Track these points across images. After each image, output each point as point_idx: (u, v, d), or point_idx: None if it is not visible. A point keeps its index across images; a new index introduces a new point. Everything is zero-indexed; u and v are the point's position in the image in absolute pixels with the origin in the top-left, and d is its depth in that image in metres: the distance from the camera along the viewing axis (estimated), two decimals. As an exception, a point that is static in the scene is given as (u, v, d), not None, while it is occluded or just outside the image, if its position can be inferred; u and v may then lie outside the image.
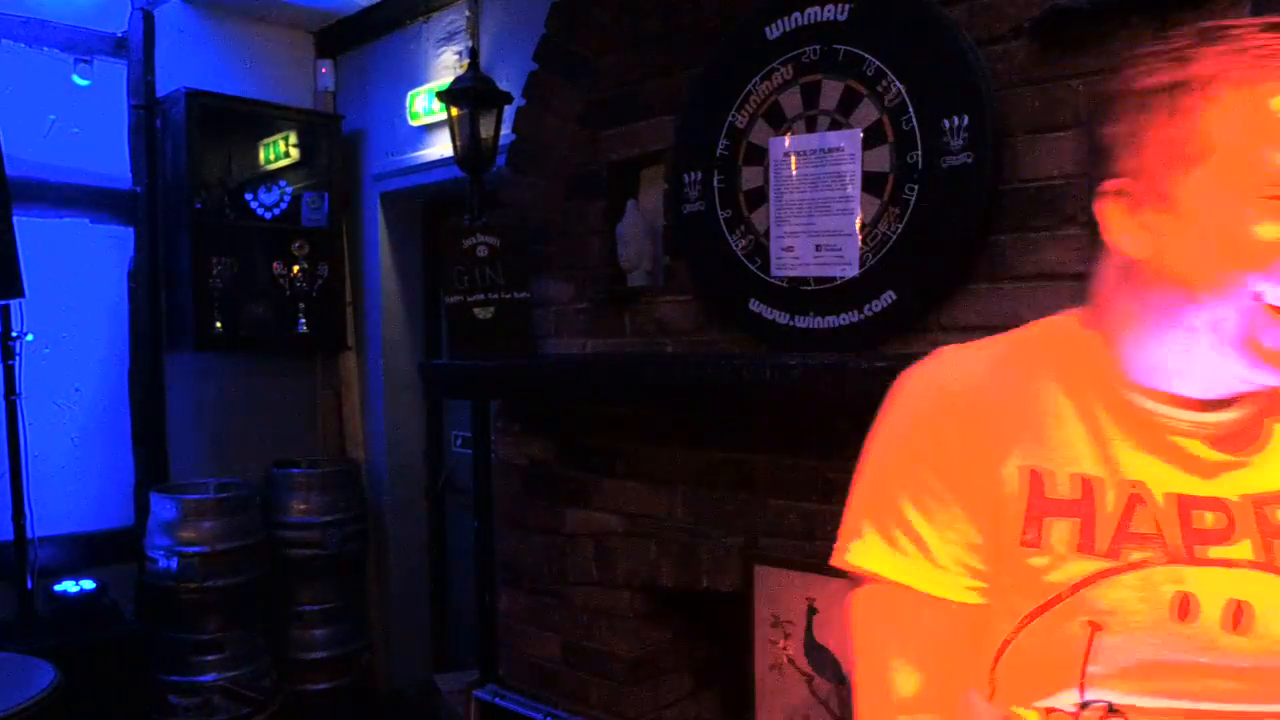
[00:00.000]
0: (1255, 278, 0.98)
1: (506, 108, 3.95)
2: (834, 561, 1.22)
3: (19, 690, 3.13)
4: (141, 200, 5.07)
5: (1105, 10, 2.27)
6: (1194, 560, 1.06)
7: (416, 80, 5.17)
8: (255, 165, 5.41)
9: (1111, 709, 1.09)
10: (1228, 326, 1.01)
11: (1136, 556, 1.07)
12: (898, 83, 2.65)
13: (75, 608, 4.68)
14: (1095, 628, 1.07)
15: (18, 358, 4.43)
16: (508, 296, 3.55)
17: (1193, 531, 1.07)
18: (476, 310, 3.61)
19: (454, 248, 3.67)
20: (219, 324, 5.08)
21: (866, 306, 2.72)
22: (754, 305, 2.95)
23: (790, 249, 2.87)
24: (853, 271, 2.74)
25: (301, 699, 5.03)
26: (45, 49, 4.85)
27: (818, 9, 2.81)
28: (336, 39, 5.68)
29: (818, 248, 2.81)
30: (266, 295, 5.29)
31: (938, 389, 1.21)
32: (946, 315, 2.62)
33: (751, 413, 2.90)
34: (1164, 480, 1.09)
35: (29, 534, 4.49)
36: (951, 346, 1.26)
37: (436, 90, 4.39)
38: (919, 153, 2.61)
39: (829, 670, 2.84)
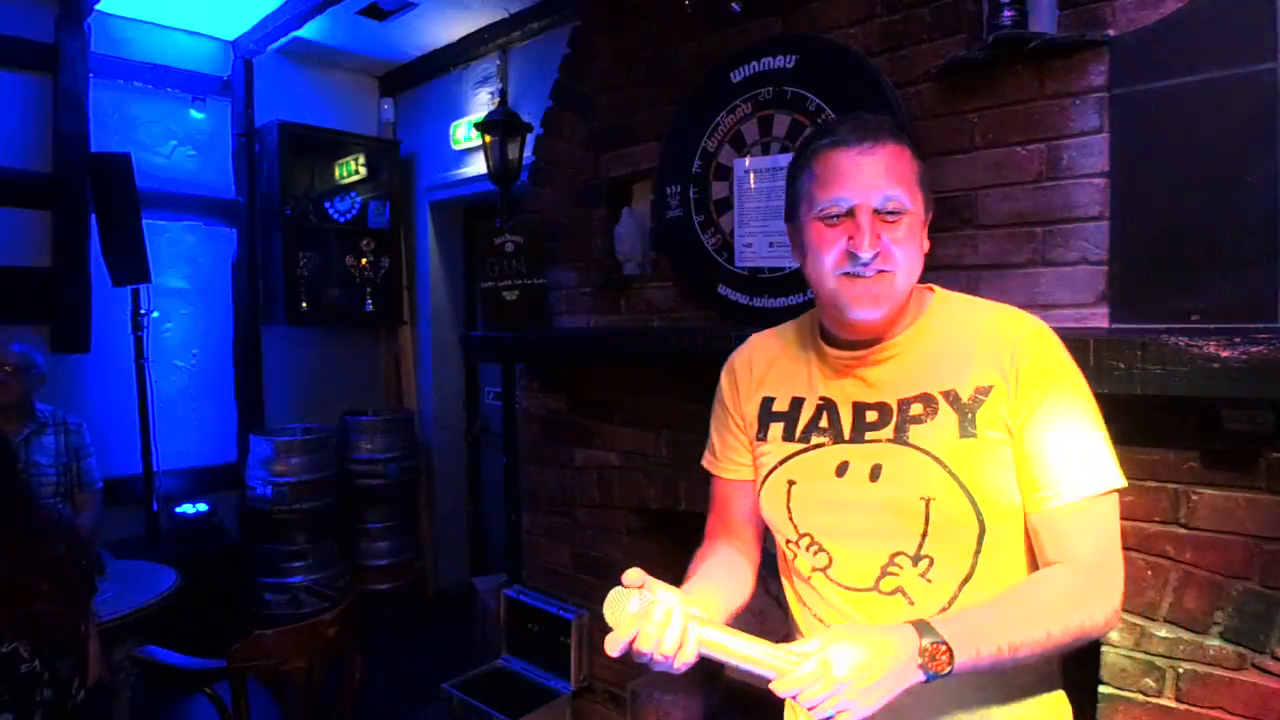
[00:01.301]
0: (828, 262, 1.36)
1: (528, 135, 3.94)
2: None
3: (149, 590, 3.14)
4: (243, 207, 5.07)
5: (994, 61, 2.27)
6: (857, 440, 1.41)
7: (458, 114, 5.16)
8: (332, 180, 5.39)
9: (813, 541, 1.45)
10: (824, 295, 1.40)
11: (816, 440, 1.46)
12: (834, 116, 2.64)
13: (191, 526, 4.72)
14: (791, 483, 1.47)
15: (145, 330, 4.43)
16: (529, 282, 3.55)
17: (863, 423, 1.42)
18: (505, 293, 3.61)
19: (487, 244, 3.67)
20: (304, 304, 5.09)
21: (809, 290, 2.70)
22: (721, 289, 2.95)
23: (750, 245, 2.86)
24: (798, 263, 2.74)
25: (368, 597, 5.05)
26: (169, 89, 4.84)
27: (771, 59, 2.80)
28: (396, 81, 5.66)
29: (771, 244, 2.81)
30: (341, 282, 5.29)
31: (727, 363, 1.68)
32: (870, 298, 2.62)
33: (719, 373, 2.90)
34: (849, 394, 1.45)
35: (155, 468, 4.51)
36: (758, 333, 1.67)
37: (474, 121, 4.37)
38: (850, 171, 2.60)
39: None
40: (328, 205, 5.22)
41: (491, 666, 3.74)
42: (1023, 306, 2.23)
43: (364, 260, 5.34)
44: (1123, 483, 1.32)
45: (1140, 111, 2.07)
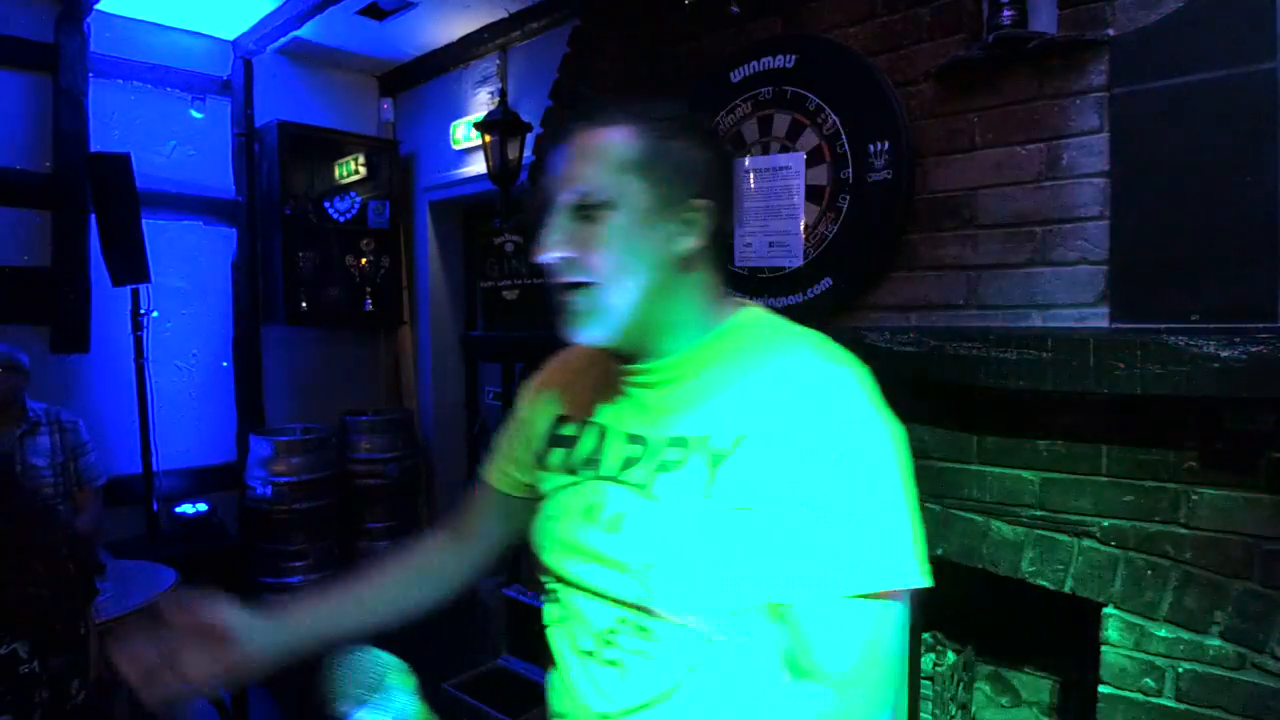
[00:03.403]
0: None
1: (528, 135, 3.94)
2: None
3: (148, 590, 3.14)
4: (243, 207, 5.07)
5: (994, 61, 2.27)
6: (612, 478, 1.16)
7: (458, 113, 5.16)
8: (332, 180, 5.39)
9: (555, 590, 1.25)
10: None
11: (583, 474, 1.21)
12: (834, 116, 2.64)
13: (191, 526, 4.71)
14: (550, 519, 1.24)
15: (145, 330, 4.43)
16: (529, 282, 3.55)
17: (625, 459, 1.16)
18: (504, 293, 3.61)
19: (487, 244, 3.67)
20: (304, 304, 5.08)
21: (809, 290, 2.72)
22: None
23: (749, 245, 2.86)
24: (798, 263, 2.75)
25: (368, 596, 5.04)
26: (168, 89, 4.84)
27: (770, 58, 2.80)
28: (396, 81, 5.66)
29: (770, 244, 2.81)
30: (341, 282, 5.28)
31: (535, 375, 1.45)
32: (872, 297, 2.62)
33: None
34: (624, 420, 1.19)
35: (155, 468, 4.50)
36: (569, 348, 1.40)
37: (474, 121, 4.37)
38: (850, 171, 2.60)
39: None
40: (327, 205, 5.22)
41: (491, 666, 3.74)
42: (1022, 306, 2.26)
43: (364, 260, 5.34)
44: (913, 581, 1.01)
45: (1140, 111, 2.07)
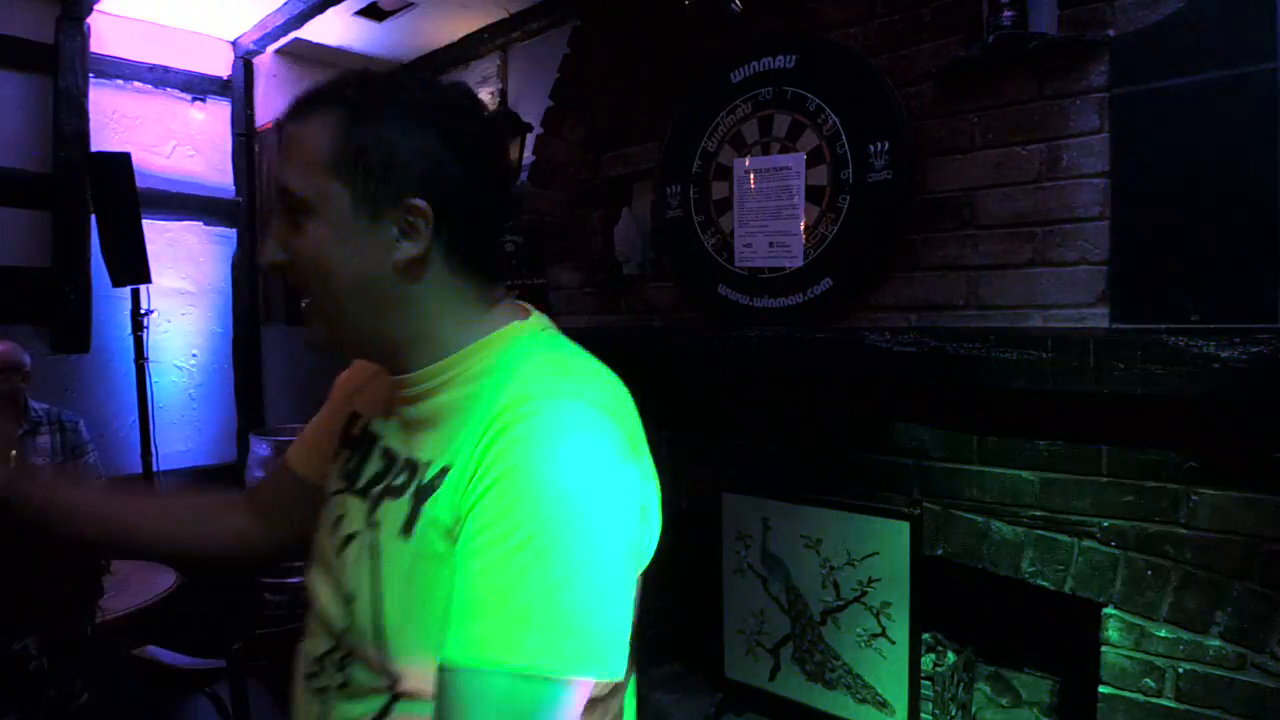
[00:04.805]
0: None
1: (529, 135, 3.94)
2: None
3: (149, 590, 3.15)
4: (243, 207, 5.08)
5: (994, 61, 2.27)
6: (361, 493, 1.07)
7: (458, 114, 5.16)
8: (332, 180, 5.40)
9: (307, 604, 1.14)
10: None
11: (348, 482, 1.11)
12: (834, 116, 2.65)
13: (192, 525, 4.70)
14: (320, 525, 1.13)
15: (145, 330, 4.43)
16: (529, 282, 3.55)
17: (373, 475, 1.07)
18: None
19: (487, 245, 3.67)
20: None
21: (809, 290, 2.72)
22: (722, 289, 2.95)
23: (749, 245, 2.87)
24: (798, 263, 2.75)
25: (369, 596, 5.04)
26: (168, 90, 4.84)
27: (771, 59, 2.80)
28: (395, 81, 5.66)
29: (771, 244, 2.81)
30: (341, 282, 5.28)
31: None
32: (872, 298, 2.62)
33: (720, 373, 2.90)
34: (386, 431, 1.10)
35: (155, 468, 4.50)
36: None
37: (474, 122, 4.37)
38: (850, 171, 2.61)
39: (779, 574, 2.85)
40: (328, 205, 5.22)
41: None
42: (1022, 306, 2.27)
43: (364, 260, 5.35)
44: (537, 668, 0.81)
45: (1140, 111, 2.07)
